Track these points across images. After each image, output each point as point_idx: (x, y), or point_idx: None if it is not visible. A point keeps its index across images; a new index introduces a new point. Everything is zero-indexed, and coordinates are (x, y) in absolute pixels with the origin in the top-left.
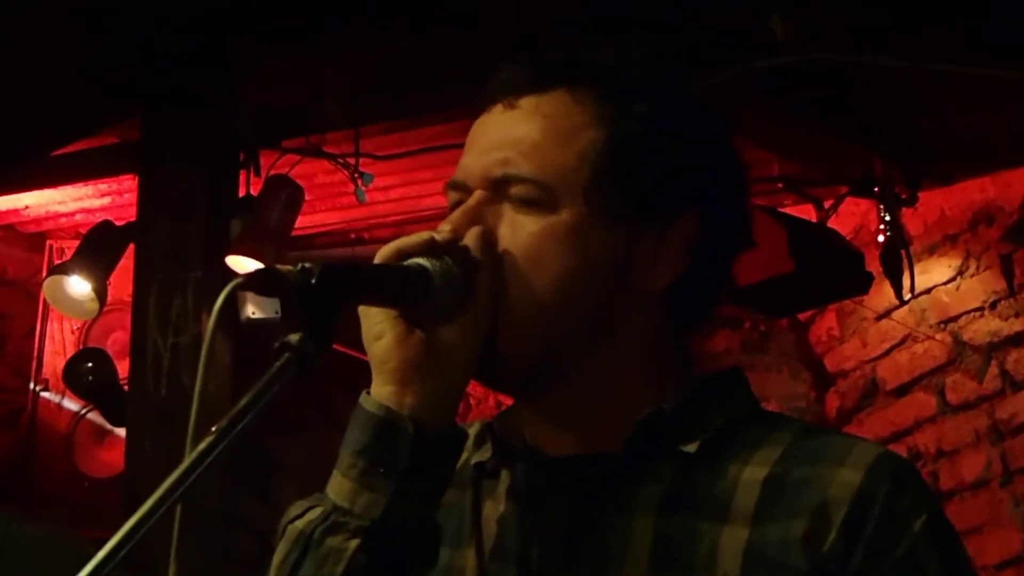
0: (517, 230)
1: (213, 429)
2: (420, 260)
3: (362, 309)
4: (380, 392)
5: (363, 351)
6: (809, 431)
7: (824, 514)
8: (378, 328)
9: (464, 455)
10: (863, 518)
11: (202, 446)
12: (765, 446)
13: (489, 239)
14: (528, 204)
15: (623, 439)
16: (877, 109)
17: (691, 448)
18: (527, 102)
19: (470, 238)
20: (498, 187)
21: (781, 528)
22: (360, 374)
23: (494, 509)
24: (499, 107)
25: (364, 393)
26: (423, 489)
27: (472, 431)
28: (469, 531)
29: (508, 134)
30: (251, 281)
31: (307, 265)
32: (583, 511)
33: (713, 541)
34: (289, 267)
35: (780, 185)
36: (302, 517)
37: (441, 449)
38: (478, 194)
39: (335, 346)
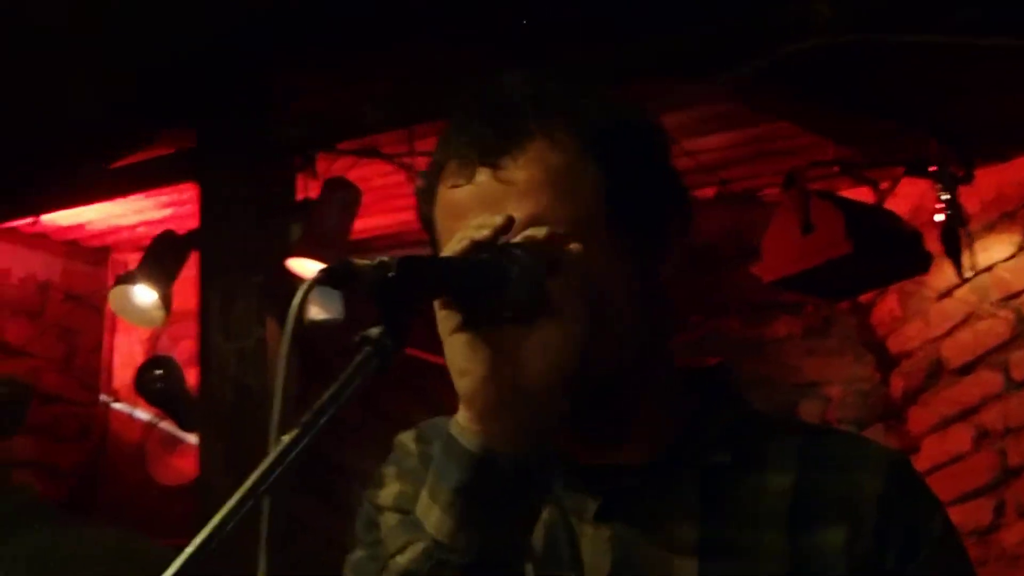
0: None
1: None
2: (498, 252)
3: (446, 340)
4: (472, 428)
5: (419, 349)
6: (811, 431)
7: (857, 521)
8: (464, 364)
9: None
10: (889, 524)
11: (286, 440)
12: (778, 450)
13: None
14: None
15: (648, 446)
16: (929, 89)
17: (723, 458)
18: (515, 162)
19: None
20: None
21: (820, 535)
22: (415, 375)
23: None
24: (482, 173)
25: (455, 422)
26: (522, 521)
27: None
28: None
29: (513, 196)
30: (329, 276)
31: (384, 259)
32: (620, 525)
33: (754, 549)
34: (366, 261)
35: (836, 169)
36: (403, 553)
37: (537, 479)
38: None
39: (412, 351)
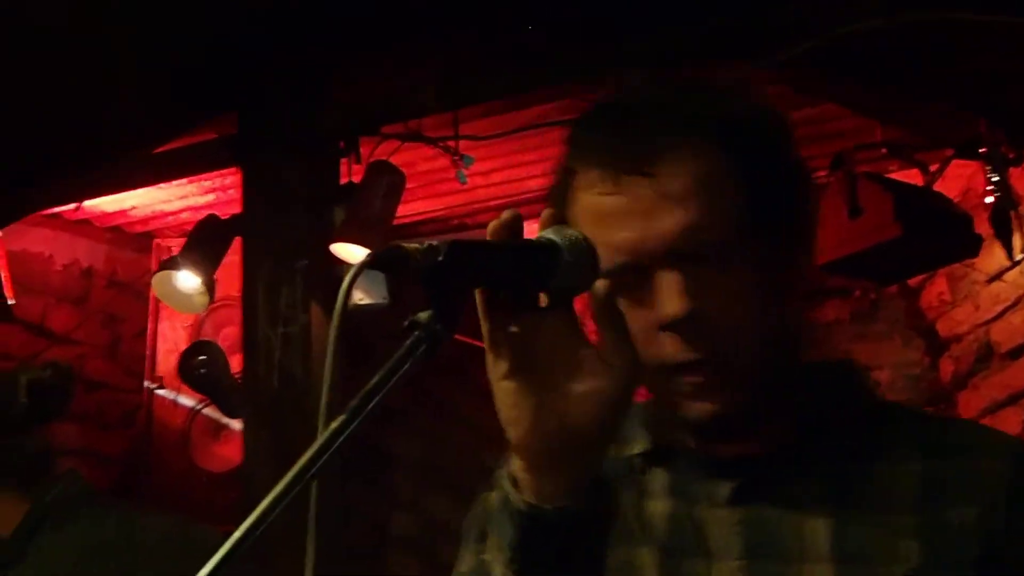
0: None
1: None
2: (549, 234)
3: (495, 386)
4: (523, 480)
5: (465, 335)
6: (934, 420)
7: (988, 504)
8: (511, 413)
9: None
10: (1018, 510)
11: (335, 425)
12: (904, 438)
13: None
14: (704, 264)
15: (777, 436)
16: (980, 70)
17: (850, 446)
18: (663, 169)
19: None
20: (679, 257)
21: (951, 517)
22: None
23: (657, 505)
24: (631, 182)
25: (508, 473)
26: (582, 566)
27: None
28: (639, 529)
29: (665, 205)
30: (378, 260)
31: (434, 243)
32: (753, 508)
33: (888, 533)
34: (415, 245)
35: (884, 151)
36: None
37: (591, 527)
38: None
39: (460, 338)
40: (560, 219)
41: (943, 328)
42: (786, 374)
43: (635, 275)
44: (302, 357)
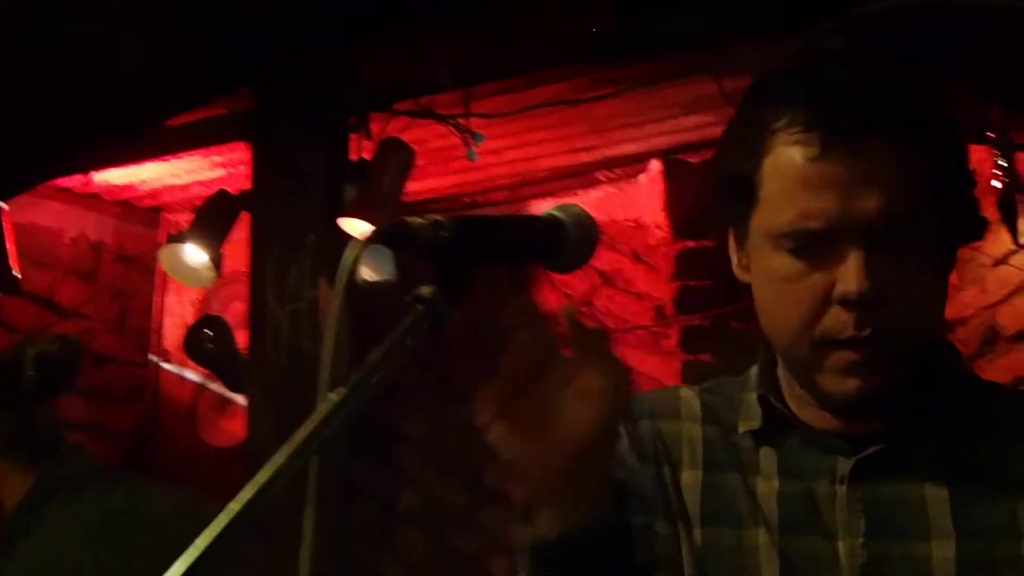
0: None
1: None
2: (553, 211)
3: (490, 430)
4: (535, 517)
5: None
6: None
7: None
8: (507, 451)
9: (690, 423)
10: None
11: (335, 399)
12: (1008, 416)
13: None
14: (890, 247)
15: (896, 414)
16: (991, 54)
17: (961, 422)
18: (867, 147)
19: None
20: (870, 236)
21: None
22: (469, 338)
23: (769, 484)
24: (837, 153)
25: (519, 516)
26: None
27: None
28: (750, 509)
29: (868, 179)
30: (383, 235)
31: (439, 219)
32: (873, 486)
33: (1006, 511)
34: (421, 220)
35: None
36: None
37: (605, 542)
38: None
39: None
40: (739, 172)
41: (949, 310)
42: (925, 354)
43: (820, 243)
44: (310, 333)
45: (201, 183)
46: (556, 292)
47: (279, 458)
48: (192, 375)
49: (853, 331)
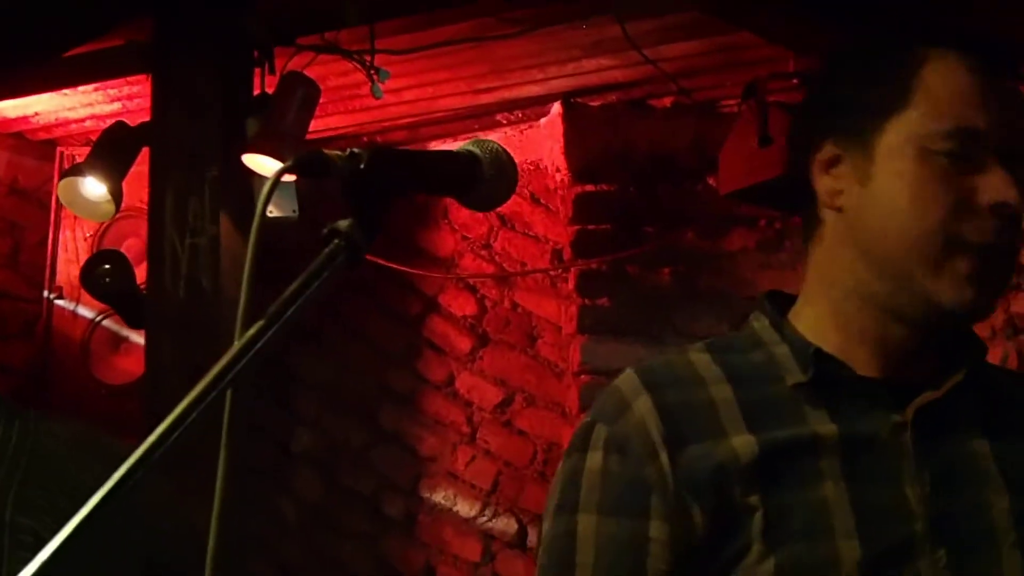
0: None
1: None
2: (470, 146)
3: None
4: None
5: (383, 258)
6: None
7: None
8: None
9: (716, 386)
10: None
11: (252, 332)
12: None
13: None
14: None
15: (943, 364)
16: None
17: (991, 379)
18: (1013, 80)
19: None
20: (1014, 153)
21: None
22: (382, 284)
23: (827, 438)
24: (996, 69)
25: None
26: None
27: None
28: (812, 465)
29: (1018, 103)
30: (299, 165)
31: (356, 150)
32: (933, 436)
33: None
34: (337, 152)
35: (796, 82)
36: None
37: None
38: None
39: (371, 258)
40: (890, 76)
41: None
42: None
43: (973, 149)
44: (210, 268)
45: (97, 117)
46: (454, 234)
47: (194, 392)
48: (85, 311)
49: (991, 238)
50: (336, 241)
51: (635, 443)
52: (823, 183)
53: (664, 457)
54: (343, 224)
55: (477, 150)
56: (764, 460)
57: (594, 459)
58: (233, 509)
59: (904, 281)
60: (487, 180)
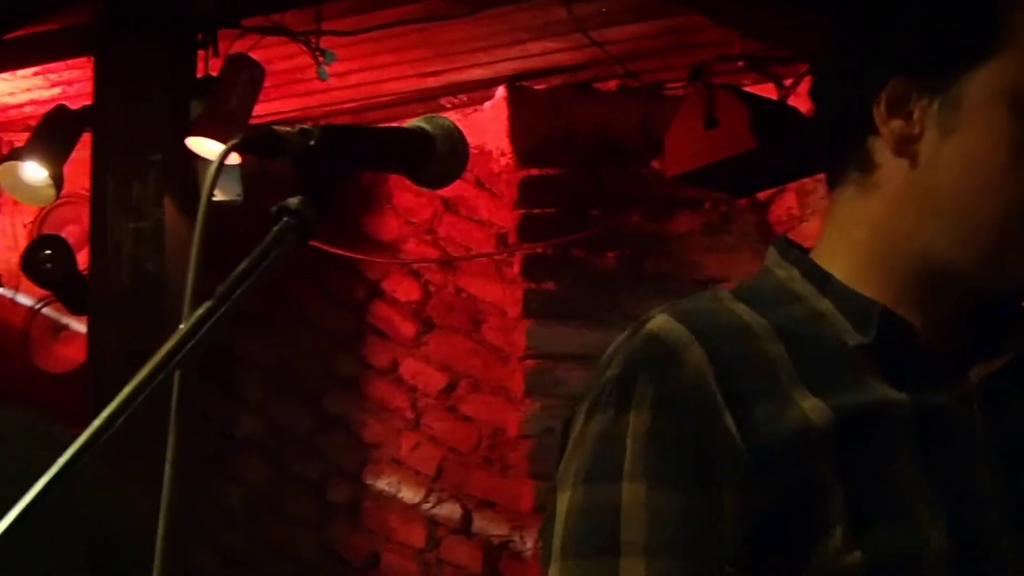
0: None
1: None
2: (421, 123)
3: None
4: None
5: (327, 243)
6: None
7: None
8: None
9: (769, 342)
10: None
11: (200, 312)
12: None
13: None
14: None
15: (968, 333)
16: None
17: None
18: None
19: None
20: None
21: None
22: (327, 269)
23: (898, 406)
24: None
25: None
26: None
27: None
28: (888, 434)
29: None
30: (250, 142)
31: (307, 127)
32: (990, 407)
33: None
34: (288, 129)
35: (741, 64)
36: None
37: None
38: None
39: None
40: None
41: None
42: None
43: None
44: (154, 253)
45: (37, 102)
46: (398, 219)
47: (142, 373)
48: (25, 299)
49: None
50: (286, 219)
51: (693, 401)
52: (893, 125)
53: (729, 419)
54: (293, 201)
55: (429, 127)
56: (840, 429)
57: (640, 419)
58: (183, 494)
59: (989, 253)
60: (439, 157)
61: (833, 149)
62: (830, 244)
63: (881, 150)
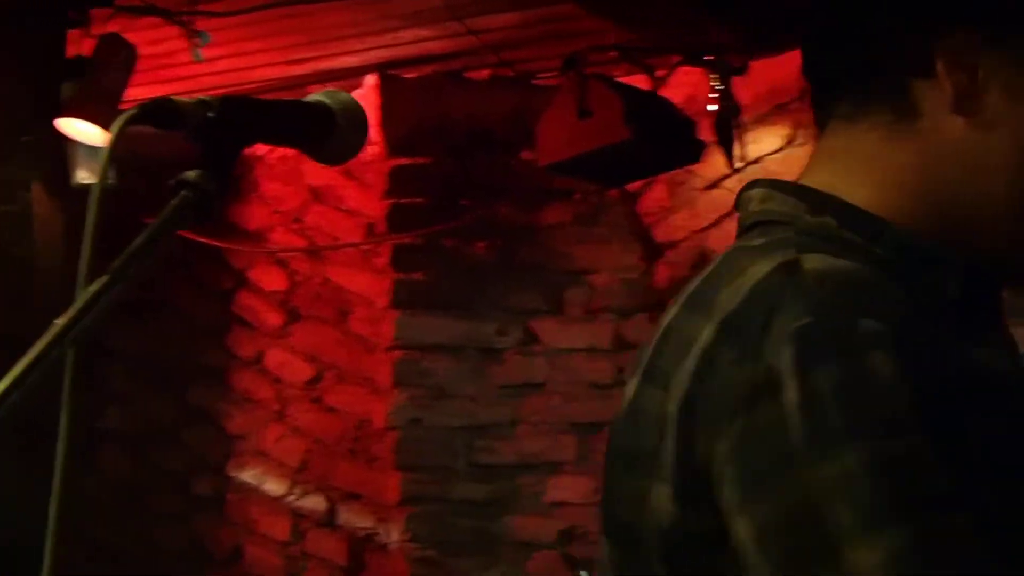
0: None
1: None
2: (322, 97)
3: None
4: None
5: (198, 233)
6: None
7: None
8: None
9: None
10: None
11: (94, 288)
12: None
13: None
14: None
15: None
16: None
17: None
18: None
19: None
20: None
21: None
22: (188, 257)
23: (999, 361)
24: None
25: None
26: None
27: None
28: (1006, 388)
29: None
30: (147, 112)
31: (205, 98)
32: None
33: None
34: (186, 99)
35: (614, 54)
36: None
37: None
38: None
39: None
40: None
41: (660, 234)
42: None
43: None
44: (22, 237)
45: None
46: (265, 208)
47: (34, 351)
48: None
49: None
50: (184, 192)
51: (925, 337)
52: (955, 79)
53: (957, 354)
54: (192, 174)
55: (330, 101)
56: (995, 380)
57: (879, 360)
58: (73, 474)
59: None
60: (341, 132)
61: (856, 83)
62: (845, 183)
63: (931, 100)
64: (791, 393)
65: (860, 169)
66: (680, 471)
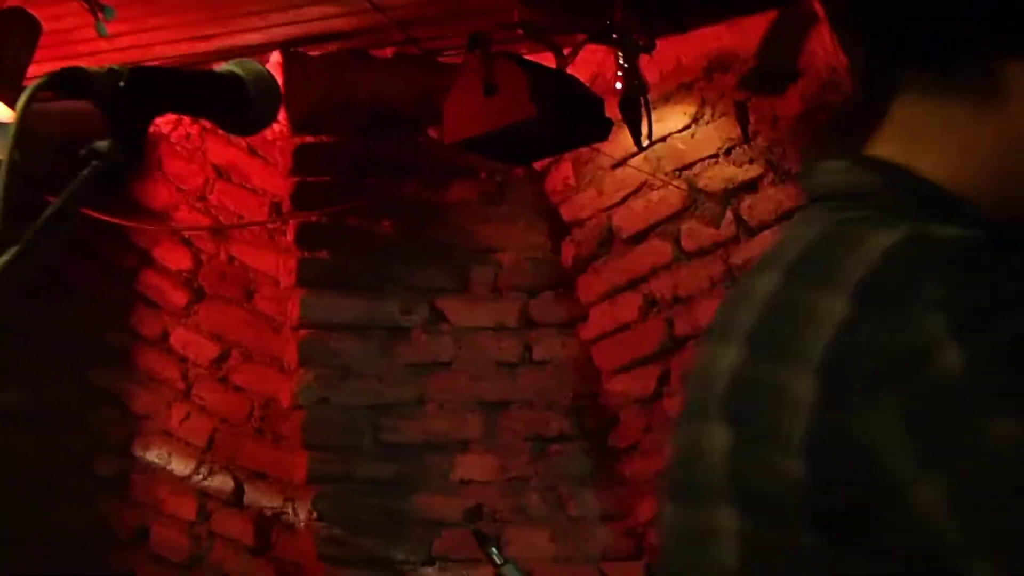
0: None
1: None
2: (233, 67)
3: None
4: None
5: (95, 209)
6: None
7: None
8: None
9: None
10: None
11: (5, 259)
12: None
13: None
14: None
15: None
16: None
17: None
18: None
19: None
20: None
21: None
22: (101, 242)
23: None
24: None
25: None
26: None
27: None
28: None
29: None
30: (56, 80)
31: (115, 67)
32: None
33: None
34: (96, 68)
35: (520, 32)
36: None
37: None
38: None
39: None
40: None
41: (567, 212)
42: None
43: None
44: None
45: None
46: (169, 186)
47: None
48: None
49: None
50: (95, 163)
51: None
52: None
53: None
54: (102, 145)
55: (241, 71)
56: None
57: None
58: None
59: None
60: (252, 102)
61: (941, 57)
62: (924, 160)
63: (1021, 83)
64: (952, 355)
65: (938, 146)
66: (819, 447)
